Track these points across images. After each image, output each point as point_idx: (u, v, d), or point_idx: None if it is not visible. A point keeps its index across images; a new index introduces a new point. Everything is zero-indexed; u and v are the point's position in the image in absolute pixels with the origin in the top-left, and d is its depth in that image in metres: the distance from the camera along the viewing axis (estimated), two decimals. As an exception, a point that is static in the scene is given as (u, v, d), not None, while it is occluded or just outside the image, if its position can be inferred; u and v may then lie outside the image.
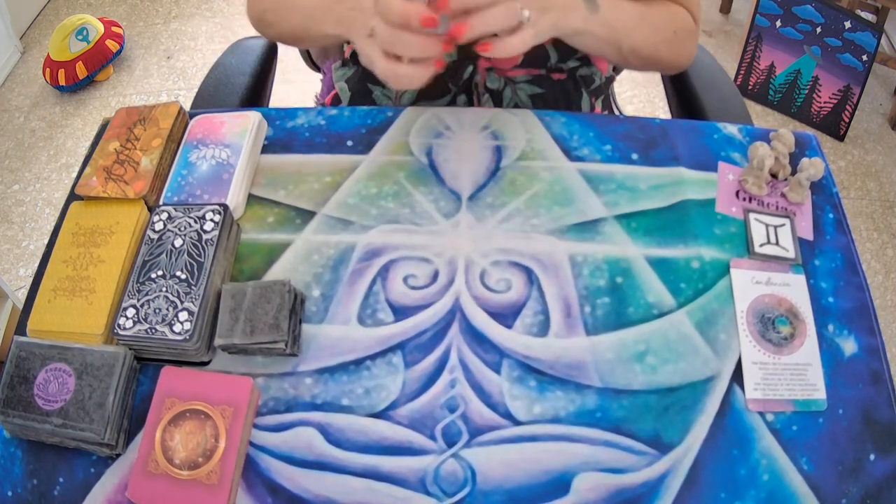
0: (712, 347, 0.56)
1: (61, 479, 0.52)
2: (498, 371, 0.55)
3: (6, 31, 2.07)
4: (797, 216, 0.63)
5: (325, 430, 0.53)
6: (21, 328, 0.58)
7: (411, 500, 0.50)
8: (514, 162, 0.67)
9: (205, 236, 0.58)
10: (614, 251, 0.61)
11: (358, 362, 0.56)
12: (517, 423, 0.53)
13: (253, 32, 0.81)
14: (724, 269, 0.60)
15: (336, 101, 0.86)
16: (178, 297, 0.55)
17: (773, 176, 0.66)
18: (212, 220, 0.59)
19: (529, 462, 0.51)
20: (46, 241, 0.63)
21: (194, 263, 0.56)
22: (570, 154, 0.67)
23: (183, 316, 0.54)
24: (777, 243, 0.61)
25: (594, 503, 0.50)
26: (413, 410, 0.53)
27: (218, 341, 0.54)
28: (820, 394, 0.54)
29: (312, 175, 0.67)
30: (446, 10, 0.54)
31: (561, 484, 0.50)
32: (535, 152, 0.68)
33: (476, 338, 0.57)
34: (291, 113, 0.72)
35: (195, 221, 0.59)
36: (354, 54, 0.83)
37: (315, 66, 1.04)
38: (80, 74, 1.94)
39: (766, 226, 0.62)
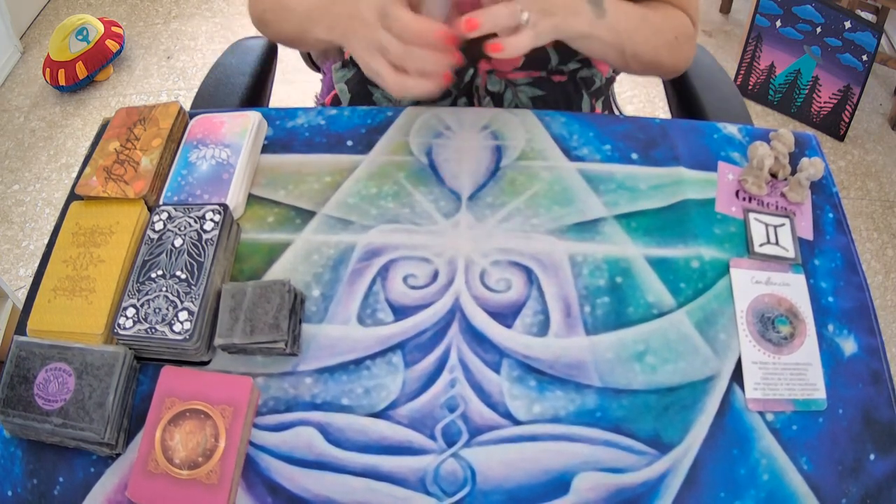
0: (712, 347, 0.56)
1: (61, 479, 0.52)
2: (498, 371, 0.55)
3: (6, 31, 2.07)
4: (797, 216, 0.63)
5: (324, 430, 0.53)
6: (21, 328, 0.58)
7: (411, 499, 0.50)
8: (514, 162, 0.67)
9: (205, 236, 0.58)
10: (614, 251, 0.61)
11: (358, 362, 0.56)
12: (517, 422, 0.53)
13: (253, 32, 0.81)
14: (724, 269, 0.60)
15: (336, 102, 0.86)
16: (178, 297, 0.55)
17: (773, 176, 0.66)
18: (212, 219, 0.59)
19: (529, 462, 0.51)
20: (46, 241, 0.63)
21: (194, 263, 0.56)
22: (569, 154, 0.68)
23: (183, 315, 0.54)
24: (777, 243, 0.61)
25: (594, 503, 0.50)
26: (413, 410, 0.53)
27: (218, 341, 0.54)
28: (820, 393, 0.54)
29: (312, 175, 0.67)
30: (474, 28, 0.55)
31: (561, 483, 0.50)
32: (534, 152, 0.68)
33: (476, 337, 0.57)
34: (291, 113, 0.72)
35: (195, 221, 0.59)
36: None
37: (315, 67, 1.04)
38: (80, 74, 1.94)
39: (766, 225, 0.62)
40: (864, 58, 1.78)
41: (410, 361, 0.56)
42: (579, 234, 0.62)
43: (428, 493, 0.50)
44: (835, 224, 0.64)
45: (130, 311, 0.54)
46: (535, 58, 0.73)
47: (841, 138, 1.90)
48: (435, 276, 0.60)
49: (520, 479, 0.51)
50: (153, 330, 0.53)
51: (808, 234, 0.63)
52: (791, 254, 0.61)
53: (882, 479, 0.51)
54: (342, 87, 0.83)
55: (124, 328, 0.54)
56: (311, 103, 0.98)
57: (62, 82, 1.95)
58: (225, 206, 0.60)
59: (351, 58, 0.84)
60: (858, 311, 0.59)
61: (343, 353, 0.56)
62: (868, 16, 2.01)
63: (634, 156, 0.67)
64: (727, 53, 2.11)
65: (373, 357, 0.56)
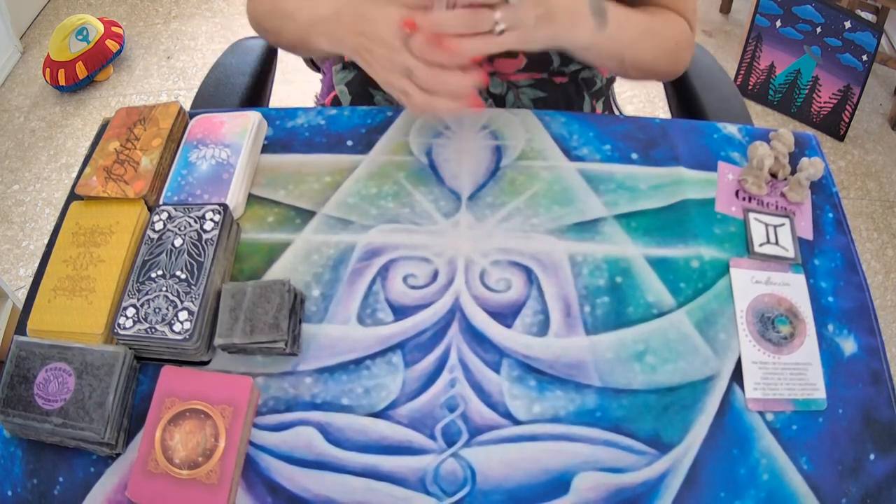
0: (712, 347, 0.56)
1: (61, 479, 0.52)
2: (498, 371, 0.55)
3: (6, 31, 2.07)
4: (797, 216, 0.63)
5: (324, 430, 0.53)
6: (21, 328, 0.58)
7: (411, 499, 0.50)
8: (514, 162, 0.67)
9: (205, 236, 0.58)
10: (614, 251, 0.61)
11: (358, 362, 0.56)
12: (517, 422, 0.53)
13: (253, 32, 0.81)
14: (724, 269, 0.60)
15: (336, 103, 0.86)
16: (178, 297, 0.55)
17: (773, 176, 0.66)
18: (212, 219, 0.59)
19: (529, 461, 0.51)
20: (46, 241, 0.63)
21: (194, 263, 0.56)
22: (569, 154, 0.68)
23: (183, 315, 0.54)
24: (777, 243, 0.61)
25: (594, 502, 0.50)
26: (413, 410, 0.53)
27: (218, 341, 0.54)
28: (820, 393, 0.54)
29: (312, 175, 0.67)
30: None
31: (561, 483, 0.50)
32: (534, 152, 0.68)
33: (476, 337, 0.57)
34: (291, 113, 0.72)
35: (195, 221, 0.59)
36: None
37: (315, 67, 1.04)
38: (80, 74, 1.94)
39: (766, 225, 0.62)
40: (864, 58, 1.78)
41: (410, 361, 0.56)
42: (579, 233, 0.62)
43: (428, 492, 0.50)
44: (835, 224, 0.64)
45: (130, 311, 0.54)
46: (537, 59, 0.73)
47: (841, 138, 1.90)
48: (435, 275, 0.60)
49: (520, 478, 0.51)
50: (153, 330, 0.53)
51: (807, 233, 0.63)
52: (791, 254, 0.61)
53: (882, 479, 0.51)
54: (342, 88, 0.83)
55: (124, 328, 0.54)
56: (311, 103, 0.98)
57: (62, 82, 1.95)
58: (225, 206, 0.60)
59: (351, 60, 0.84)
60: (858, 311, 0.59)
61: (343, 352, 0.56)
62: (868, 16, 2.01)
63: (634, 156, 0.67)
64: (727, 53, 2.11)
65: (373, 357, 0.56)
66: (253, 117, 0.68)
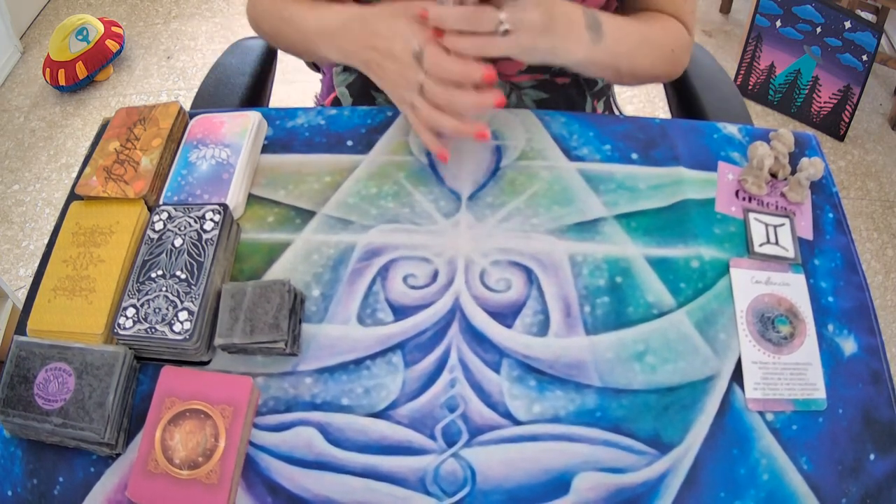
0: (712, 347, 0.56)
1: (61, 479, 0.52)
2: (498, 371, 0.55)
3: (6, 31, 2.07)
4: (797, 216, 0.63)
5: (324, 430, 0.53)
6: (21, 328, 0.58)
7: (411, 499, 0.50)
8: (514, 162, 0.67)
9: (205, 236, 0.58)
10: (614, 251, 0.61)
11: (358, 362, 0.56)
12: (517, 422, 0.53)
13: (253, 32, 0.81)
14: (724, 269, 0.60)
15: (336, 104, 0.86)
16: (178, 297, 0.55)
17: (773, 176, 0.66)
18: (212, 219, 0.59)
19: (529, 461, 0.51)
20: (46, 241, 0.63)
21: (194, 263, 0.56)
22: (569, 154, 0.68)
23: (183, 315, 0.54)
24: (777, 243, 0.61)
25: (594, 503, 0.50)
26: (413, 410, 0.53)
27: (218, 341, 0.54)
28: (820, 393, 0.54)
29: (312, 175, 0.67)
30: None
31: (561, 483, 0.50)
32: (534, 152, 0.68)
33: (476, 337, 0.57)
34: (291, 113, 0.72)
35: (195, 221, 0.59)
36: None
37: (315, 67, 1.04)
38: (80, 74, 1.94)
39: (766, 225, 0.62)
40: (864, 58, 1.78)
41: (410, 361, 0.56)
42: (579, 233, 0.62)
43: (428, 493, 0.50)
44: (835, 224, 0.64)
45: (130, 311, 0.54)
46: None
47: (841, 138, 1.90)
48: (435, 275, 0.60)
49: (520, 479, 0.51)
50: (153, 330, 0.53)
51: (807, 233, 0.63)
52: (791, 254, 0.61)
53: (882, 479, 0.51)
54: (343, 90, 0.83)
55: (124, 328, 0.54)
56: (311, 103, 0.98)
57: (62, 82, 1.95)
58: (225, 206, 0.60)
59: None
60: (858, 310, 0.59)
61: (343, 352, 0.56)
62: (868, 16, 2.01)
63: (634, 156, 0.67)
64: (727, 53, 2.11)
65: (373, 357, 0.56)
66: (253, 117, 0.68)
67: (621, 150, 0.68)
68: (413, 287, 0.59)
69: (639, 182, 0.65)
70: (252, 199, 0.65)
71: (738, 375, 0.55)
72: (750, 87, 2.00)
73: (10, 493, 0.51)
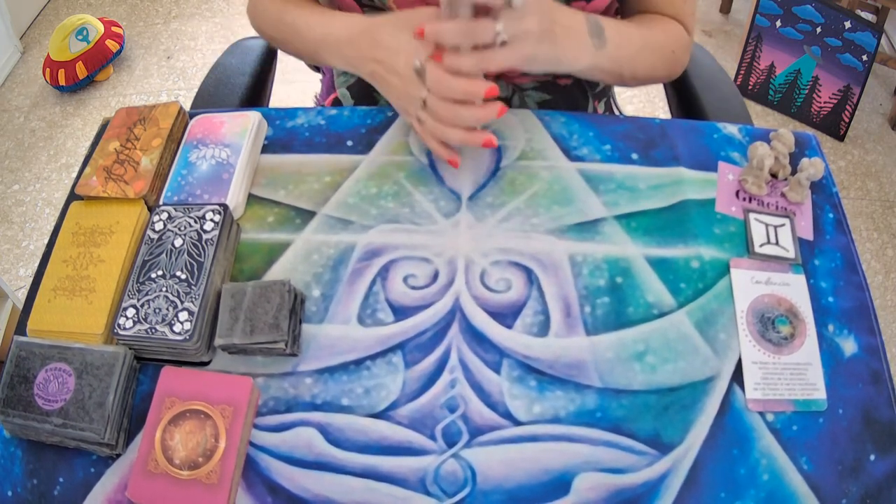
0: (712, 347, 0.56)
1: (61, 479, 0.52)
2: (498, 371, 0.55)
3: (6, 31, 2.07)
4: (797, 216, 0.63)
5: (324, 430, 0.53)
6: (21, 328, 0.58)
7: (411, 500, 0.50)
8: (514, 162, 0.67)
9: (205, 236, 0.58)
10: (614, 251, 0.61)
11: (358, 362, 0.56)
12: (517, 423, 0.53)
13: (253, 33, 0.81)
14: (724, 269, 0.60)
15: (337, 104, 0.86)
16: (178, 297, 0.55)
17: (773, 176, 0.66)
18: (212, 219, 0.59)
19: (529, 462, 0.51)
20: (46, 241, 0.63)
21: (194, 263, 0.56)
22: (569, 154, 0.68)
23: (183, 316, 0.54)
24: (777, 243, 0.61)
25: (594, 503, 0.50)
26: (413, 410, 0.53)
27: (218, 341, 0.54)
28: (820, 394, 0.54)
29: (312, 175, 0.67)
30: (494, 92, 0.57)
31: (561, 484, 0.50)
32: (534, 152, 0.68)
33: (476, 338, 0.57)
34: (291, 113, 0.72)
35: (195, 221, 0.59)
36: None
37: (315, 67, 1.04)
38: (80, 74, 1.94)
39: (766, 226, 0.62)
40: (864, 58, 1.78)
41: (411, 362, 0.56)
42: (579, 233, 0.62)
43: (428, 493, 0.50)
44: (835, 224, 0.64)
45: (130, 312, 0.54)
46: None
47: (841, 138, 1.90)
48: (435, 276, 0.60)
49: (520, 479, 0.51)
50: (153, 330, 0.53)
51: (808, 234, 0.63)
52: (791, 254, 0.61)
53: (882, 479, 0.51)
54: (344, 92, 0.83)
55: (124, 328, 0.54)
56: (311, 103, 0.98)
57: (62, 82, 1.95)
58: (225, 206, 0.60)
59: None
60: (858, 310, 0.59)
61: (343, 353, 0.56)
62: (868, 16, 2.01)
63: (634, 156, 0.67)
64: (727, 53, 2.11)
65: (373, 357, 0.56)
66: (253, 117, 0.68)
67: (621, 150, 0.68)
68: (413, 287, 0.59)
69: (639, 182, 0.65)
70: (252, 199, 0.65)
71: (738, 376, 0.55)
72: (750, 87, 2.00)
73: (10, 493, 0.51)
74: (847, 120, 1.87)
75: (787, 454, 0.52)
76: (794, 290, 0.59)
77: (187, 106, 0.74)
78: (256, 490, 0.50)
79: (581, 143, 0.68)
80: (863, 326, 0.58)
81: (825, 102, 1.89)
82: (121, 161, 0.64)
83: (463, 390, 0.54)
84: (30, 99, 2.02)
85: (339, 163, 0.67)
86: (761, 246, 0.61)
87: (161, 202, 0.63)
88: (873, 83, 2.05)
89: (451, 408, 0.53)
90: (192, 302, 0.54)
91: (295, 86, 1.53)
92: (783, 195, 0.65)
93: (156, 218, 0.59)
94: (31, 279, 0.64)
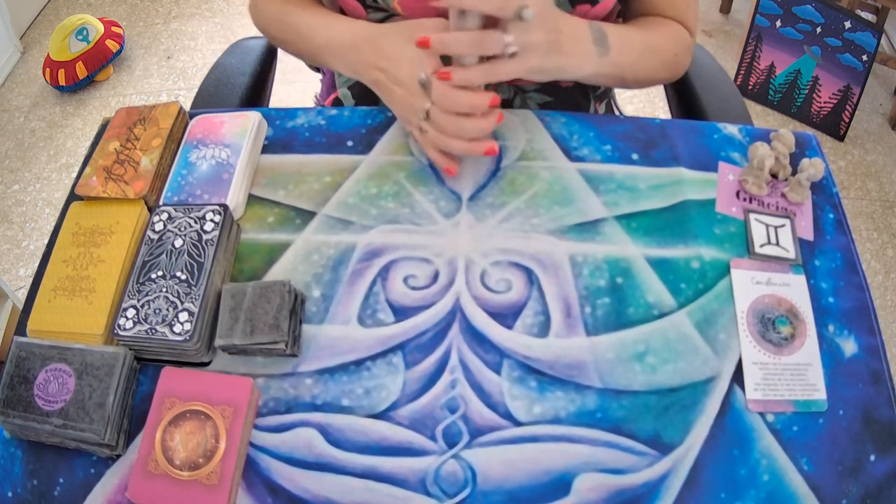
0: (712, 347, 0.56)
1: (61, 480, 0.51)
2: (498, 371, 0.55)
3: (6, 31, 2.07)
4: (797, 216, 0.63)
5: (325, 431, 0.53)
6: (21, 328, 0.58)
7: (411, 500, 0.50)
8: (515, 162, 0.67)
9: (205, 236, 0.58)
10: (614, 251, 0.61)
11: (358, 363, 0.56)
12: (517, 423, 0.53)
13: (253, 32, 0.81)
14: (725, 270, 0.60)
15: (337, 104, 0.86)
16: (179, 298, 0.55)
17: (774, 176, 0.66)
18: (212, 220, 0.59)
19: (530, 462, 0.51)
20: (46, 241, 0.63)
21: (194, 264, 0.56)
22: (570, 154, 0.67)
23: (183, 316, 0.54)
24: (777, 243, 0.61)
25: None
26: (413, 411, 0.53)
27: (218, 342, 0.54)
28: (820, 394, 0.54)
29: (312, 175, 0.67)
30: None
31: (561, 484, 0.50)
32: (535, 152, 0.68)
33: (476, 338, 0.57)
34: (291, 113, 0.72)
35: (195, 222, 0.59)
36: None
37: (315, 67, 1.04)
38: (80, 74, 1.94)
39: (767, 226, 0.62)
40: (864, 58, 1.78)
41: (411, 362, 0.56)
42: (579, 234, 0.62)
43: (428, 494, 0.50)
44: (835, 224, 0.64)
45: (131, 312, 0.54)
46: None
47: (841, 138, 1.90)
48: (435, 276, 0.60)
49: (520, 479, 0.51)
50: (153, 331, 0.53)
51: (808, 234, 0.63)
52: (791, 254, 0.61)
53: (882, 479, 0.51)
54: (345, 91, 0.83)
55: (124, 329, 0.54)
56: (311, 103, 0.98)
57: (62, 82, 1.95)
58: (225, 207, 0.60)
59: None
60: (858, 311, 0.59)
61: (343, 353, 0.56)
62: (868, 16, 2.01)
63: (634, 156, 0.67)
64: (727, 53, 2.11)
65: (373, 358, 0.56)
66: (253, 117, 0.68)
67: (621, 150, 0.68)
68: (413, 288, 0.59)
69: (639, 182, 0.65)
70: (252, 199, 0.65)
71: (738, 376, 0.55)
72: (750, 87, 2.00)
73: (10, 493, 0.51)
74: (847, 120, 1.87)
75: (787, 455, 0.52)
76: (795, 290, 0.59)
77: (187, 106, 0.74)
78: (257, 491, 0.50)
79: (581, 143, 0.68)
80: (863, 327, 0.58)
81: (825, 102, 1.89)
82: (121, 161, 0.64)
83: (463, 391, 0.54)
84: (30, 99, 2.02)
85: (339, 163, 0.67)
86: (762, 246, 0.61)
87: (161, 202, 0.63)
88: (873, 83, 2.05)
89: (451, 408, 0.53)
90: (192, 302, 0.54)
91: (295, 86, 1.53)
92: (783, 195, 0.65)
93: (156, 218, 0.59)
94: (31, 279, 0.64)
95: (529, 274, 0.60)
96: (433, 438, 0.52)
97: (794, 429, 0.53)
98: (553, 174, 0.66)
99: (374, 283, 0.59)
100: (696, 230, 0.62)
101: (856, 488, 0.51)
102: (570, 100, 0.79)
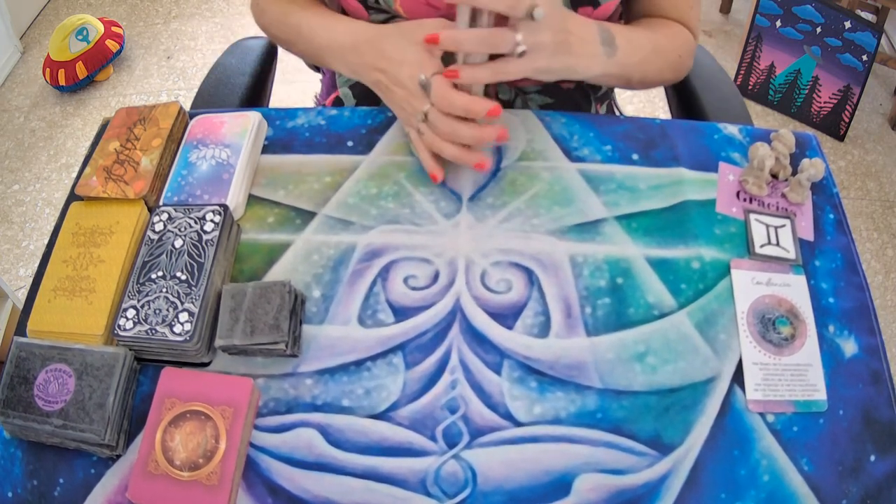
0: (712, 348, 0.56)
1: (61, 480, 0.51)
2: (498, 372, 0.55)
3: (6, 31, 2.07)
4: (797, 216, 0.63)
5: (325, 431, 0.53)
6: (21, 328, 0.58)
7: (411, 500, 0.50)
8: (515, 162, 0.67)
9: (205, 237, 0.58)
10: (614, 251, 0.61)
11: (358, 363, 0.56)
12: (518, 423, 0.53)
13: (253, 32, 0.81)
14: (725, 270, 0.60)
15: (338, 103, 0.86)
16: (179, 298, 0.55)
17: (774, 176, 0.66)
18: (212, 220, 0.59)
19: (530, 463, 0.51)
20: (46, 241, 0.63)
21: (194, 264, 0.56)
22: (570, 154, 0.67)
23: (183, 317, 0.54)
24: (777, 244, 0.61)
25: (595, 504, 0.50)
26: (414, 411, 0.53)
27: (218, 342, 0.54)
28: (820, 394, 0.54)
29: (312, 175, 0.67)
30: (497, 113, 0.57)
31: (562, 485, 0.50)
32: (535, 152, 0.68)
33: (476, 338, 0.57)
34: (291, 113, 0.72)
35: (195, 222, 0.59)
36: None
37: (316, 67, 1.04)
38: (80, 74, 1.94)
39: (767, 226, 0.62)
40: (864, 58, 1.78)
41: (411, 362, 0.56)
42: (580, 234, 0.62)
43: (429, 494, 0.50)
44: (835, 224, 0.64)
45: (131, 312, 0.54)
46: None
47: (841, 138, 1.90)
48: (436, 277, 0.60)
49: (521, 480, 0.51)
50: (153, 331, 0.53)
51: (808, 234, 0.63)
52: (792, 255, 0.61)
53: (882, 479, 0.51)
54: (346, 91, 0.83)
55: (124, 329, 0.54)
56: (311, 103, 0.98)
57: (62, 82, 1.95)
58: (225, 207, 0.60)
59: None
60: (858, 311, 0.59)
61: (343, 354, 0.56)
62: (868, 16, 2.01)
63: (635, 156, 0.67)
64: (727, 53, 2.11)
65: (373, 358, 0.56)
66: (253, 117, 0.68)
67: (622, 150, 0.68)
68: (414, 288, 0.59)
69: (639, 182, 0.65)
70: (252, 199, 0.65)
71: (738, 376, 0.55)
72: (750, 87, 2.00)
73: (10, 494, 0.51)
74: (847, 120, 1.87)
75: (787, 455, 0.52)
76: (795, 290, 0.59)
77: (187, 106, 0.74)
78: (257, 491, 0.50)
79: (582, 143, 0.68)
80: (863, 327, 0.58)
81: (825, 102, 1.89)
82: (121, 161, 0.64)
83: (463, 391, 0.54)
84: (30, 99, 2.02)
85: (339, 163, 0.67)
86: (762, 247, 0.61)
87: (161, 202, 0.63)
88: (873, 83, 2.05)
89: (451, 409, 0.53)
90: (192, 303, 0.54)
91: (295, 86, 1.53)
92: (784, 196, 0.65)
93: (156, 218, 0.59)
94: (31, 279, 0.64)
95: (530, 274, 0.60)
96: (433, 439, 0.52)
97: (795, 429, 0.53)
98: (553, 174, 0.66)
99: (374, 283, 0.59)
100: (697, 230, 0.62)
101: (856, 488, 0.51)
102: (571, 101, 0.79)
